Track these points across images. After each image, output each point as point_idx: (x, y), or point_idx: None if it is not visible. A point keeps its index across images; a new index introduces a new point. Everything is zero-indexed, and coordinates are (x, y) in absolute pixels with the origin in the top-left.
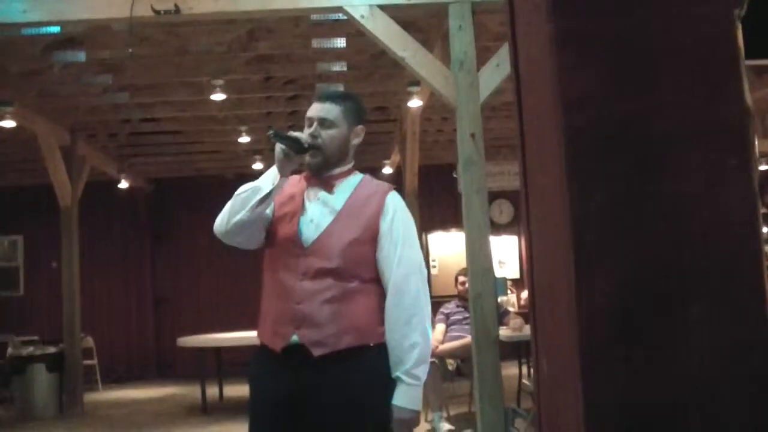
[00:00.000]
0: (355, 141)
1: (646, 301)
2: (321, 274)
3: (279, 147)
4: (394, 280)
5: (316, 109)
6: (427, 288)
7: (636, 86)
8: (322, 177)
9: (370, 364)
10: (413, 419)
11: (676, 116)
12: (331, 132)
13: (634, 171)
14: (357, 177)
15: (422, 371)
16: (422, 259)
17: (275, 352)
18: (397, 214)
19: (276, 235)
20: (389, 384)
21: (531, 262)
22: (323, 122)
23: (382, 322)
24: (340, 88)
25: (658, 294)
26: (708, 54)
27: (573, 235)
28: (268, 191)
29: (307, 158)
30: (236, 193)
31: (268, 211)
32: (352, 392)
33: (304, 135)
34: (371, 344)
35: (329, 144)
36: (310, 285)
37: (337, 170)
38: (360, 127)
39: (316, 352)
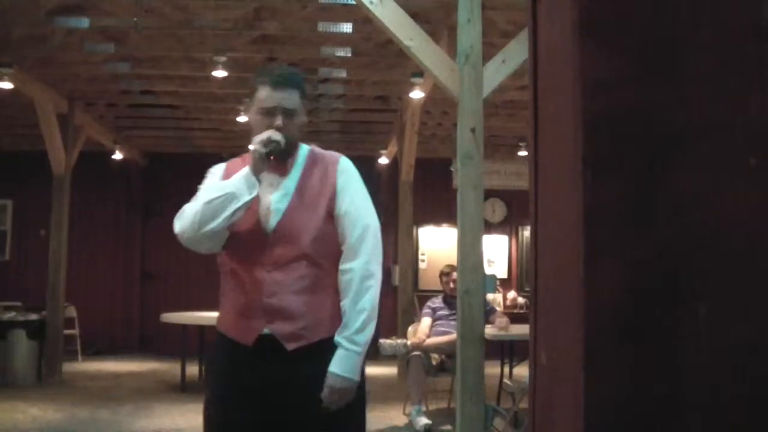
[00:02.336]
0: (306, 120)
1: (655, 297)
2: (290, 261)
3: (259, 152)
4: (349, 242)
5: (277, 98)
6: (381, 253)
7: (660, 76)
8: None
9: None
10: (348, 389)
11: (698, 110)
12: (296, 121)
13: (652, 162)
14: (303, 151)
15: (363, 338)
16: (377, 223)
17: (243, 344)
18: (350, 180)
19: (235, 226)
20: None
21: (536, 251)
22: (288, 113)
23: None
24: (294, 70)
25: (668, 290)
26: (736, 48)
27: (584, 226)
28: (248, 199)
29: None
30: (205, 199)
31: None
32: (323, 380)
33: (278, 135)
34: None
35: (295, 134)
36: (280, 276)
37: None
38: (306, 102)
39: (291, 346)
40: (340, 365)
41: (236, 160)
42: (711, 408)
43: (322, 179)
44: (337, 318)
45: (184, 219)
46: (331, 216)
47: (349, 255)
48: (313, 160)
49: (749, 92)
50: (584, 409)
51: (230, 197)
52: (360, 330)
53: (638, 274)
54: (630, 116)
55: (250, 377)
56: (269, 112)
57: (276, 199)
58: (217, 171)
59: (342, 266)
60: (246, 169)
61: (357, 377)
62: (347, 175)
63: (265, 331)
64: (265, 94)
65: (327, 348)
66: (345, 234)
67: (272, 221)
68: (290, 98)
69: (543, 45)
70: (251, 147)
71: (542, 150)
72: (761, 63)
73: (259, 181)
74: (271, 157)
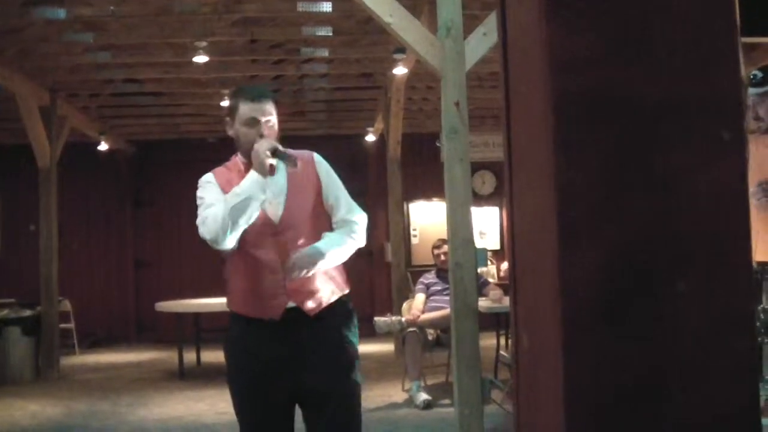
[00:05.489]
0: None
1: (632, 276)
2: (298, 242)
3: (270, 160)
4: (342, 214)
5: (258, 110)
6: (364, 234)
7: (629, 53)
8: None
9: (344, 308)
10: (309, 259)
11: (668, 85)
12: (275, 128)
13: (624, 141)
14: None
15: (328, 256)
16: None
17: (269, 320)
18: (329, 171)
19: None
20: (354, 320)
21: (513, 234)
22: (269, 122)
23: (342, 274)
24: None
25: (645, 269)
26: (705, 22)
27: (558, 207)
28: (263, 199)
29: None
30: (230, 205)
31: None
32: (338, 333)
33: (277, 144)
34: (341, 296)
35: (274, 138)
36: (293, 254)
37: None
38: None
39: (312, 311)
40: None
41: (222, 169)
42: (692, 384)
43: (305, 174)
44: (335, 282)
45: (212, 226)
46: (320, 201)
47: (345, 219)
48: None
49: (720, 66)
50: (564, 392)
51: (248, 200)
52: (330, 248)
53: (615, 254)
54: (600, 95)
55: (280, 345)
56: (253, 122)
57: (275, 193)
58: (210, 179)
59: (337, 221)
60: (255, 175)
61: (319, 257)
62: (325, 168)
63: (290, 304)
64: (248, 108)
65: (334, 308)
66: (337, 210)
67: (278, 212)
68: (269, 108)
69: (512, 25)
70: (259, 154)
71: (515, 131)
72: (730, 37)
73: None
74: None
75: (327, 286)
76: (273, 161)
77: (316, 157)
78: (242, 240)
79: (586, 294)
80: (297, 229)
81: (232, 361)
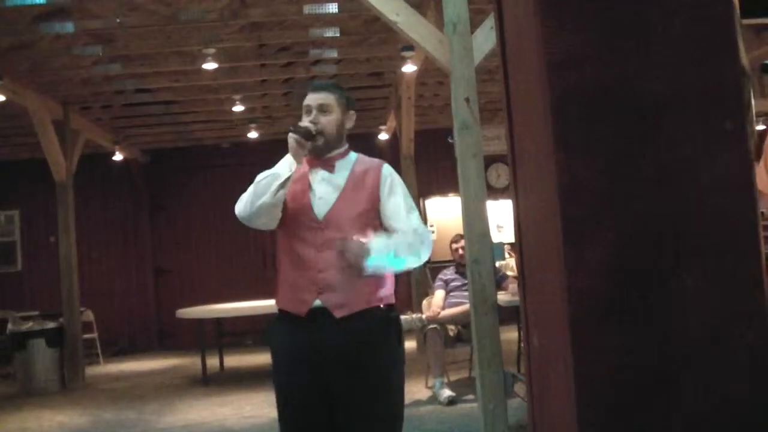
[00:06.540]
0: (349, 125)
1: (638, 272)
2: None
3: (292, 137)
4: (409, 228)
5: (313, 98)
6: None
7: (626, 48)
8: (323, 158)
9: (380, 317)
10: (360, 254)
11: (668, 78)
12: (330, 117)
13: (624, 136)
14: (352, 156)
15: (402, 253)
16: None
17: (298, 315)
18: (394, 181)
19: (290, 212)
20: (396, 330)
21: (520, 232)
22: (322, 108)
23: (386, 284)
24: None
25: (651, 265)
26: (702, 13)
27: (561, 204)
28: (287, 177)
29: (311, 143)
30: (256, 180)
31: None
32: (368, 341)
33: (310, 125)
34: (381, 305)
35: (328, 128)
36: (329, 255)
37: (336, 152)
38: (351, 112)
39: (338, 313)
40: (375, 243)
41: None
42: (701, 378)
43: (367, 178)
44: (375, 291)
45: (242, 201)
46: (374, 209)
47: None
48: (360, 163)
49: (719, 57)
50: (575, 389)
51: (274, 176)
52: (402, 250)
53: (619, 252)
54: (598, 92)
55: (305, 343)
56: (308, 110)
57: (326, 191)
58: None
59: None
60: (288, 155)
61: (370, 254)
62: (390, 179)
63: (317, 302)
64: (307, 98)
65: (369, 316)
66: (396, 221)
67: (323, 210)
68: (324, 97)
69: (509, 24)
70: (289, 136)
71: (516, 130)
72: (728, 27)
73: (299, 163)
74: (308, 142)
75: (361, 292)
76: (295, 137)
77: (385, 167)
78: (286, 232)
79: (591, 292)
80: (340, 229)
81: (272, 358)
